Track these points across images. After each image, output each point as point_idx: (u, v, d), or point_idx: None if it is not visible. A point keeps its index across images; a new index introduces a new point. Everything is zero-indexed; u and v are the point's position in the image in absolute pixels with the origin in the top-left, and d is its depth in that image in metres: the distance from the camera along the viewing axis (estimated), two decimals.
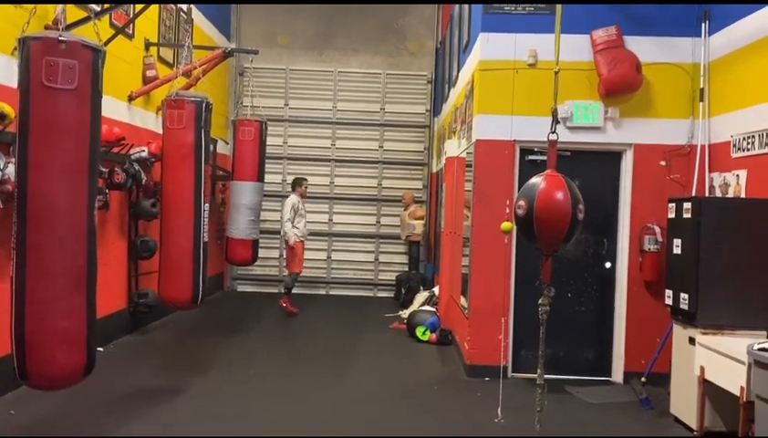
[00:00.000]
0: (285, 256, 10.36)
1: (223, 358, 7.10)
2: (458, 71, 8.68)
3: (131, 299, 7.94)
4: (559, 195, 3.61)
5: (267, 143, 9.17)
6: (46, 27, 5.48)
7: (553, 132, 3.84)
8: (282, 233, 9.71)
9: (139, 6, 7.27)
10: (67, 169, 3.81)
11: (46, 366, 3.81)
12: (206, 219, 5.96)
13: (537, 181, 3.72)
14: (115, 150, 7.05)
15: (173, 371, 6.46)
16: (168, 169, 6.00)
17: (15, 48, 5.21)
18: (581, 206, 3.66)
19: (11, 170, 4.95)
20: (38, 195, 3.75)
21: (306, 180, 10.08)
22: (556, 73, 3.87)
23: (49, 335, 3.79)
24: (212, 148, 10.50)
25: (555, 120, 3.87)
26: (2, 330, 5.09)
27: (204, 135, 5.93)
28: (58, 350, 3.81)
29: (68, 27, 5.12)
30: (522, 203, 3.70)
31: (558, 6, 4.00)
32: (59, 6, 4.14)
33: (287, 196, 10.15)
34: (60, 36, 3.74)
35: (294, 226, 9.59)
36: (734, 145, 5.72)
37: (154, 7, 8.26)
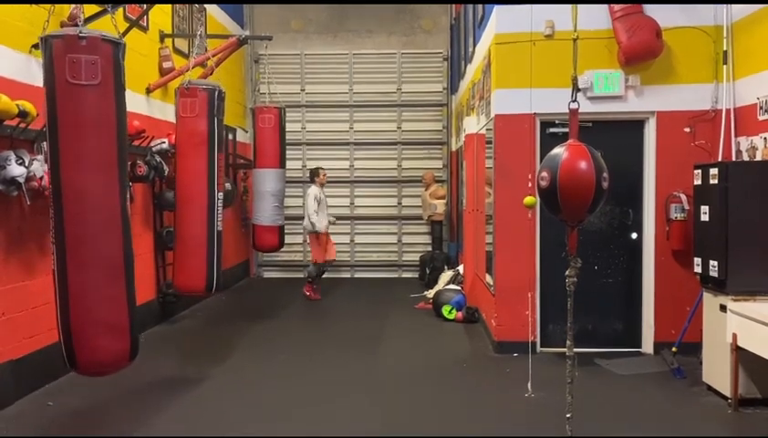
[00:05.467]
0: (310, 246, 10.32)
1: (253, 343, 7.18)
2: (474, 47, 8.58)
3: (160, 290, 8.05)
4: (582, 165, 3.56)
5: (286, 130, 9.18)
6: (62, 24, 5.52)
7: (574, 101, 3.77)
8: (308, 224, 9.68)
9: None
10: (98, 162, 3.89)
11: (93, 354, 3.93)
12: (220, 208, 5.97)
13: (560, 151, 3.67)
14: (136, 142, 7.11)
15: (204, 359, 6.54)
16: (181, 157, 6.02)
17: (33, 46, 5.32)
18: (605, 175, 3.60)
19: (36, 166, 5.03)
20: (72, 190, 3.83)
21: (322, 169, 10.02)
22: (575, 40, 3.80)
23: (94, 325, 3.90)
24: (231, 137, 10.60)
25: (576, 89, 3.79)
26: (38, 322, 5.28)
27: (218, 123, 5.93)
28: (103, 339, 3.91)
29: (85, 22, 5.16)
30: (545, 174, 3.65)
31: None
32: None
33: (308, 182, 10.17)
34: (80, 32, 3.78)
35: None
36: (761, 107, 5.59)
37: None
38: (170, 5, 8.52)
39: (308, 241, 10.13)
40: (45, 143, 4.07)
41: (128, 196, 4.09)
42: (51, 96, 3.81)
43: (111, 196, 3.94)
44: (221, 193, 6.00)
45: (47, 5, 4.64)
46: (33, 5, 5.38)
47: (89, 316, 3.89)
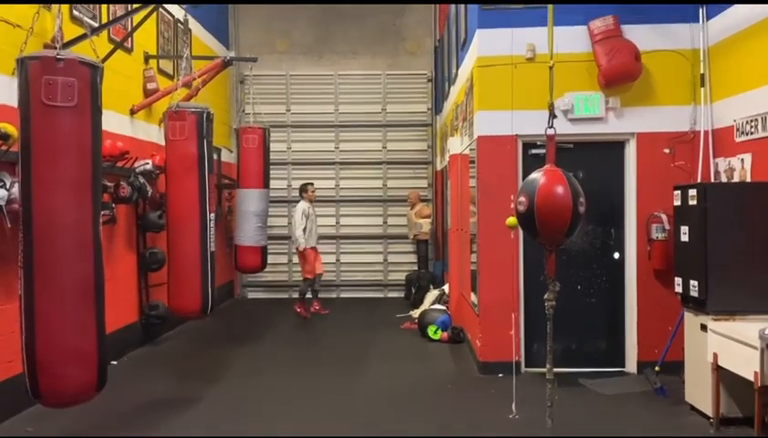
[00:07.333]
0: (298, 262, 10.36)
1: (237, 365, 7.13)
2: (457, 69, 8.67)
3: (143, 312, 7.99)
4: (559, 190, 3.61)
5: (271, 149, 9.22)
6: (46, 46, 5.52)
7: (550, 127, 3.83)
8: (293, 239, 9.75)
9: (137, 19, 7.31)
10: (71, 186, 3.85)
11: (57, 384, 3.82)
12: (212, 229, 6.00)
13: (537, 176, 3.72)
14: (119, 164, 7.09)
15: (188, 382, 6.49)
16: (172, 180, 6.04)
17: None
18: (582, 200, 3.65)
19: (17, 189, 5.00)
20: (43, 213, 3.78)
21: (312, 184, 10.13)
22: (551, 67, 3.87)
23: (59, 352, 3.80)
24: (216, 157, 10.59)
25: (552, 115, 3.86)
26: (17, 346, 5.20)
27: (207, 145, 5.97)
28: (69, 367, 3.82)
29: (66, 45, 5.16)
30: (522, 198, 3.70)
31: (550, 6, 4.00)
32: (57, 24, 4.16)
33: (293, 201, 10.19)
34: (58, 54, 3.76)
35: (304, 232, 9.65)
36: (738, 129, 5.69)
37: (152, 20, 8.30)
38: (154, 27, 8.54)
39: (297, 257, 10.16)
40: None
41: (100, 221, 4.02)
42: (25, 117, 3.78)
43: (83, 220, 3.89)
44: (212, 214, 6.02)
45: (27, 26, 4.61)
46: (16, 28, 5.38)
47: (55, 342, 3.79)
